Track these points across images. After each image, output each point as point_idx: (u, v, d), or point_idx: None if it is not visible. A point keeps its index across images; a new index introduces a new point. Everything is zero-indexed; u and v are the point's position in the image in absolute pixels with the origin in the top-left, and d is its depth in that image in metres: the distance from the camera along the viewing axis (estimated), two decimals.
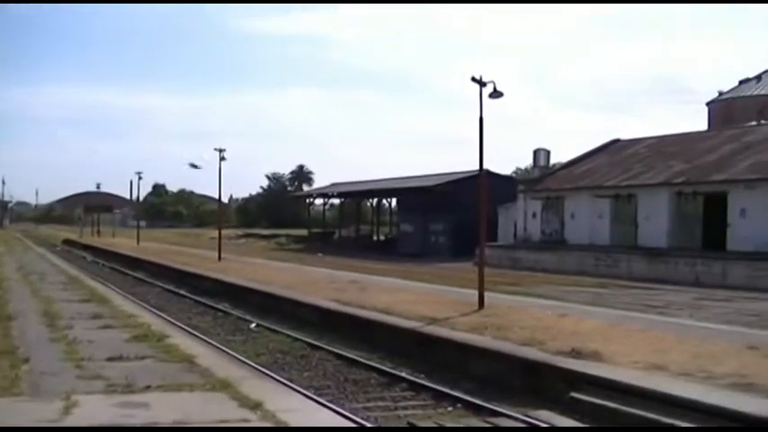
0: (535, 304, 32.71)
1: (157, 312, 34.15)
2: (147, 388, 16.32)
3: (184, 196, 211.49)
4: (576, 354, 20.10)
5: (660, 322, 27.79)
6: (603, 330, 24.42)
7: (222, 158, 64.15)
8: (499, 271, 49.79)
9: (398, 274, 49.53)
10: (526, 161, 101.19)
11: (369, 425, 16.88)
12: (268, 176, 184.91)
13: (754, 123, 70.94)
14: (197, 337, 27.46)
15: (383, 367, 23.49)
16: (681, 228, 54.31)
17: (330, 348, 26.59)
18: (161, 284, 50.89)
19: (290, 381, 20.87)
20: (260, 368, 21.96)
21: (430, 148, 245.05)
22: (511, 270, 55.09)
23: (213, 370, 18.57)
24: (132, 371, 17.91)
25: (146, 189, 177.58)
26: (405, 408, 19.02)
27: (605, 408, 16.97)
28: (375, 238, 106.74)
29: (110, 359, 19.60)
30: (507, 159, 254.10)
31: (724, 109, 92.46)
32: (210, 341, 26.86)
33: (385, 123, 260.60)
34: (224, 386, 16.60)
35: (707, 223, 52.54)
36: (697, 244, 52.65)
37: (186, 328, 30.18)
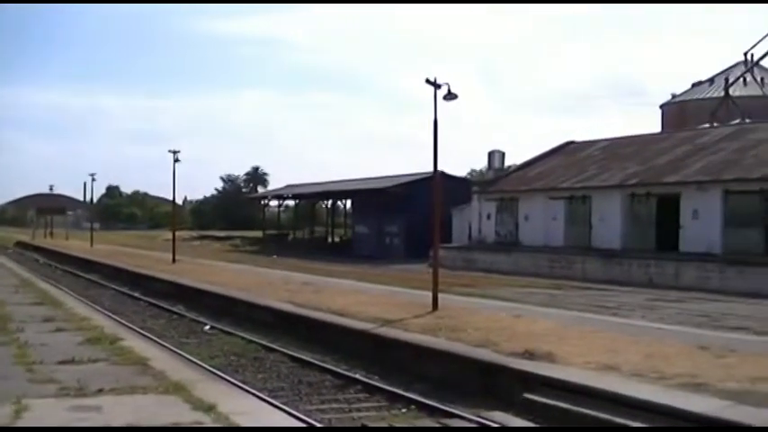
0: (489, 306, 32.80)
1: (111, 315, 34.00)
2: (100, 391, 16.24)
3: (139, 198, 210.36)
4: (529, 355, 20.18)
5: (613, 323, 27.95)
6: (557, 331, 24.52)
7: (176, 160, 64.00)
8: (454, 272, 49.89)
9: (353, 276, 49.51)
10: (481, 163, 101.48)
11: (319, 425, 16.91)
12: (223, 178, 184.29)
13: (706, 126, 71.51)
14: (151, 339, 27.37)
15: (337, 369, 23.49)
16: (634, 229, 54.60)
17: (285, 350, 26.57)
18: (115, 287, 50.65)
19: (244, 383, 20.84)
20: (214, 371, 21.91)
21: (386, 150, 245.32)
22: (466, 271, 55.19)
23: (167, 373, 18.51)
24: (85, 374, 17.80)
25: (99, 191, 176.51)
26: (359, 410, 19.02)
27: (558, 408, 17.05)
28: (330, 239, 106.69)
29: (62, 362, 19.49)
30: (462, 161, 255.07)
31: (677, 111, 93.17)
32: (164, 344, 26.77)
33: (341, 124, 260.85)
34: (178, 389, 16.54)
35: (660, 225, 52.82)
36: (650, 245, 52.93)
37: (140, 330, 30.08)
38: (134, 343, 23.75)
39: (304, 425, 16.11)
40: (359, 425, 17.61)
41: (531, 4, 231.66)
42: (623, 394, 16.42)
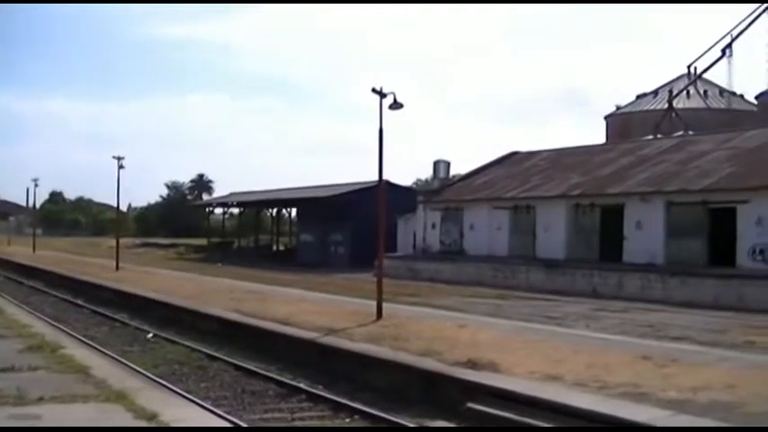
0: (434, 315, 32.85)
1: (53, 323, 33.75)
2: (40, 399, 16.09)
3: (83, 204, 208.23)
4: (472, 364, 20.24)
5: (557, 333, 28.07)
6: (501, 341, 24.62)
7: (121, 166, 63.66)
8: (399, 281, 49.91)
9: (298, 285, 49.39)
10: (427, 172, 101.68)
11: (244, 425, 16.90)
12: (167, 185, 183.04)
13: (650, 137, 72.09)
14: (93, 347, 27.21)
15: (281, 378, 23.47)
16: (578, 239, 54.86)
17: (228, 359, 26.52)
18: (57, 294, 50.26)
19: (188, 391, 20.73)
20: (157, 379, 21.80)
21: (333, 158, 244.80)
22: (411, 281, 55.20)
23: (109, 381, 18.38)
24: (24, 382, 17.60)
25: (42, 196, 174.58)
26: (302, 419, 19.02)
27: (501, 418, 17.12)
28: (275, 248, 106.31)
29: (1, 370, 19.29)
30: (409, 170, 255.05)
31: (621, 122, 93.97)
32: (107, 352, 26.62)
33: (287, 131, 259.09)
34: (119, 397, 16.43)
35: (604, 235, 53.11)
36: (594, 255, 53.21)
37: (82, 338, 29.90)
38: (76, 351, 23.58)
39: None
40: None
41: (480, 10, 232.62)
42: (565, 404, 16.52)
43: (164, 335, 32.23)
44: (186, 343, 29.86)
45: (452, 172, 76.56)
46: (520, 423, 16.58)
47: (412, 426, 17.32)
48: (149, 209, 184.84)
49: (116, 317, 38.75)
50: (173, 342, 30.45)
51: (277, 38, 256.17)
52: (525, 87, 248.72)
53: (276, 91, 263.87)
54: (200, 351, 28.19)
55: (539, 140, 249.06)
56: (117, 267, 62.98)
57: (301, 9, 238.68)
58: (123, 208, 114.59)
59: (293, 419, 18.92)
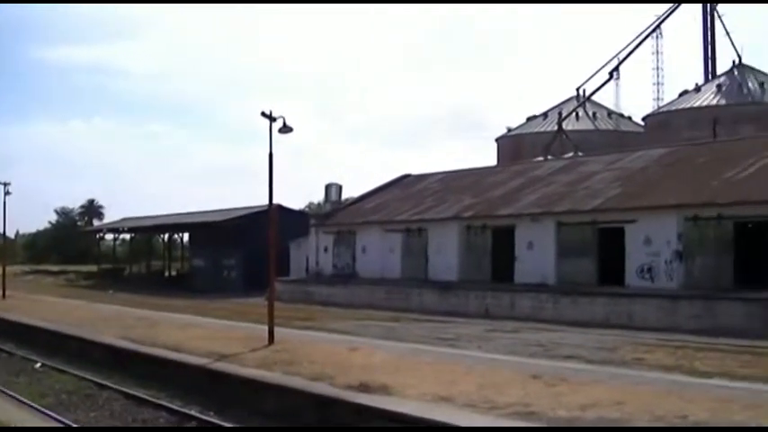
0: (327, 339, 32.82)
1: None
2: None
3: None
4: (364, 388, 20.21)
5: (450, 354, 28.14)
6: (394, 363, 24.61)
7: (7, 192, 62.55)
8: (292, 306, 49.76)
9: (190, 310, 48.99)
10: (319, 196, 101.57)
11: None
12: (57, 211, 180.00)
13: (540, 159, 72.97)
14: None
15: (172, 405, 23.18)
16: (471, 261, 55.10)
17: (119, 387, 26.16)
18: None
19: (76, 422, 20.37)
20: (44, 410, 21.38)
21: (227, 182, 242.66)
22: (304, 304, 54.99)
23: None
24: None
25: None
26: None
27: None
28: (167, 273, 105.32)
29: None
30: (301, 194, 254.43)
31: (512, 144, 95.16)
32: None
33: (180, 156, 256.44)
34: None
35: (496, 256, 53.43)
36: (486, 276, 53.50)
37: None
38: None
39: None
40: None
41: (376, 33, 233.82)
42: (455, 425, 16.54)
43: (51, 364, 31.63)
44: (75, 372, 29.37)
45: (345, 195, 76.72)
46: None
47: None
48: (38, 235, 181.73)
49: (1, 346, 37.94)
50: (61, 371, 29.91)
51: (169, 62, 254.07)
52: (417, 111, 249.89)
53: (168, 115, 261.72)
54: (89, 380, 27.74)
55: (431, 163, 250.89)
56: (3, 295, 61.81)
57: (194, 35, 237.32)
58: (11, 234, 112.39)
59: None
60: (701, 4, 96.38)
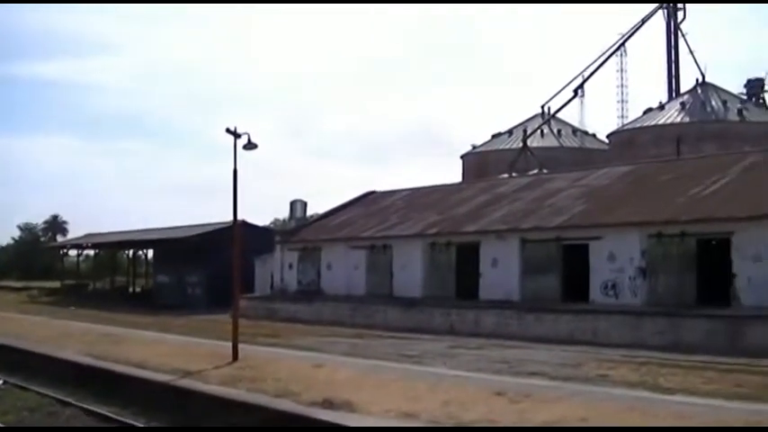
0: (291, 355, 32.72)
1: None
2: None
3: None
4: (329, 404, 20.16)
5: (414, 371, 28.11)
6: (358, 380, 24.57)
7: None
8: (257, 322, 49.51)
9: (154, 327, 48.76)
10: (284, 212, 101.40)
11: None
12: (20, 227, 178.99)
13: (505, 176, 73.16)
14: None
15: (136, 423, 23.03)
16: (435, 278, 55.10)
17: (82, 405, 25.94)
18: None
19: None
20: (5, 427, 21.17)
21: (193, 198, 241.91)
22: (269, 321, 54.76)
23: None
24: None
25: None
26: None
27: None
28: (131, 289, 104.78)
29: None
30: (266, 210, 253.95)
31: (478, 161, 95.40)
32: None
33: (146, 171, 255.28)
34: None
35: (460, 273, 53.43)
36: (451, 293, 53.49)
37: None
38: None
39: None
40: None
41: (340, 50, 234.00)
42: None
43: (13, 381, 31.33)
44: (37, 389, 29.07)
45: (310, 212, 76.55)
46: None
47: None
48: (1, 251, 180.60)
49: None
50: (23, 389, 29.61)
51: (135, 79, 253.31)
52: (383, 128, 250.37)
53: (134, 132, 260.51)
54: (51, 397, 27.50)
55: (396, 180, 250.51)
56: None
57: (160, 50, 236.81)
58: None
59: None
60: (665, 23, 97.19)
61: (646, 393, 22.22)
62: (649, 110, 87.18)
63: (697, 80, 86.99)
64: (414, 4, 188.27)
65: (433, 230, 56.60)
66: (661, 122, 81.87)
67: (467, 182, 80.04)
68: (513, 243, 49.94)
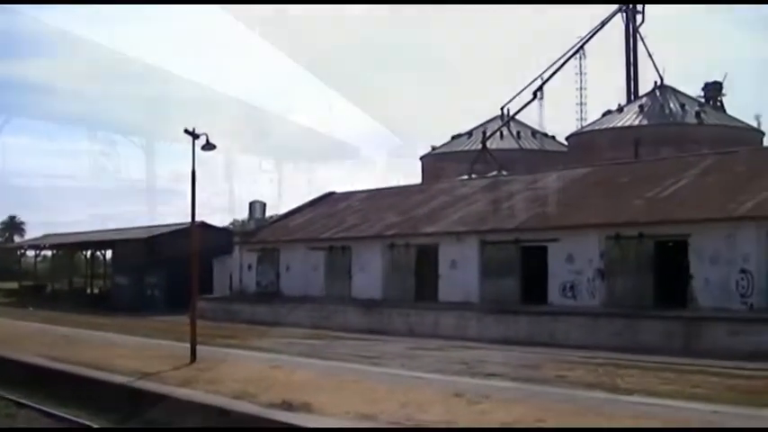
0: (250, 357, 32.65)
1: None
2: None
3: None
4: (287, 405, 20.11)
5: (373, 372, 28.11)
6: (316, 381, 24.54)
7: None
8: (216, 324, 49.38)
9: (112, 328, 48.49)
10: (243, 213, 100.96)
11: None
12: None
13: (465, 177, 73.17)
14: None
15: (92, 424, 22.89)
16: (395, 279, 55.00)
17: (38, 406, 25.78)
18: None
19: None
20: None
21: (153, 198, 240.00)
22: (228, 323, 54.57)
23: None
24: None
25: None
26: None
27: None
28: (89, 291, 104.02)
29: None
30: (226, 211, 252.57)
31: (437, 163, 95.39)
32: None
33: (103, 173, 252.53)
34: None
35: (420, 274, 53.34)
36: (410, 295, 53.42)
37: None
38: None
39: None
40: None
41: (297, 52, 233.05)
42: None
43: None
44: None
45: (269, 213, 76.27)
46: None
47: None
48: None
49: None
50: None
51: (91, 78, 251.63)
52: (342, 128, 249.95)
53: (90, 131, 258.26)
54: (6, 399, 27.28)
55: (355, 181, 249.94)
56: None
57: (116, 48, 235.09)
58: None
59: None
60: (623, 26, 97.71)
61: (603, 394, 22.31)
62: (608, 112, 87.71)
63: (655, 83, 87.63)
64: (377, 5, 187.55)
65: (392, 232, 56.53)
66: (620, 125, 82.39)
67: (426, 183, 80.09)
68: (473, 245, 49.96)
